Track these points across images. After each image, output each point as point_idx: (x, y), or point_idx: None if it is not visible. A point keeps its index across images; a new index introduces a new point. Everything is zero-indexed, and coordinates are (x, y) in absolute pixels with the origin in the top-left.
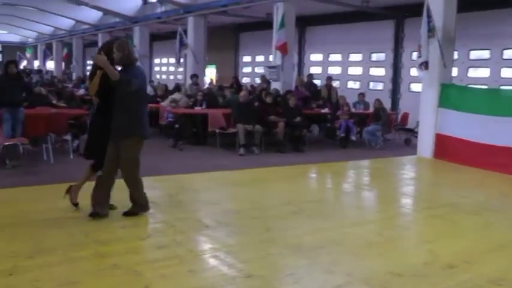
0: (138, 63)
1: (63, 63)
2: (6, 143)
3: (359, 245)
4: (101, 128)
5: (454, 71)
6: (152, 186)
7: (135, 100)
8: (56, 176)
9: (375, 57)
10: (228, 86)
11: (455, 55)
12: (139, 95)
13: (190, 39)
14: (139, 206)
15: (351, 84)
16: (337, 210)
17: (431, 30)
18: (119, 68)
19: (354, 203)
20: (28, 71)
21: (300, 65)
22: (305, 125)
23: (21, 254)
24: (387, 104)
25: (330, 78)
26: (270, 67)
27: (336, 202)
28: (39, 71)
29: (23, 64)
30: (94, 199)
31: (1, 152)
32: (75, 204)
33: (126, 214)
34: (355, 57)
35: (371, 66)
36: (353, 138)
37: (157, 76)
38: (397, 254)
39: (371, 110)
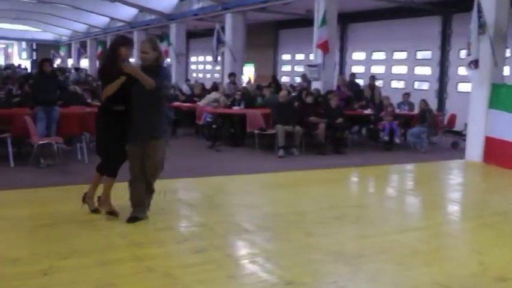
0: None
1: (97, 62)
2: (41, 142)
3: (404, 254)
4: (106, 127)
5: (506, 70)
6: (189, 188)
7: (164, 102)
8: (90, 176)
9: (420, 55)
10: (267, 85)
11: (507, 53)
12: (166, 97)
13: (228, 36)
14: (144, 210)
15: (395, 84)
16: (381, 216)
17: (481, 27)
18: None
19: (398, 209)
20: (63, 69)
21: (342, 63)
22: (347, 127)
23: (57, 255)
24: (433, 105)
25: (373, 78)
26: (310, 66)
27: (379, 207)
28: (77, 69)
29: (57, 62)
30: (132, 201)
31: (35, 151)
32: (94, 211)
33: (132, 220)
34: (400, 55)
35: (416, 65)
36: (397, 140)
37: (194, 74)
38: (444, 264)
39: (416, 111)
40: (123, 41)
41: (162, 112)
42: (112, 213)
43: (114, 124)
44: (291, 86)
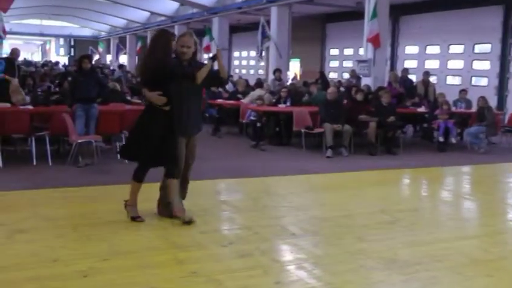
0: None
1: (136, 58)
2: (79, 141)
3: (462, 263)
4: (147, 127)
5: None
6: (233, 189)
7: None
8: (129, 176)
9: (478, 48)
10: (314, 81)
11: None
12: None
13: (273, 30)
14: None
15: (451, 80)
16: (436, 221)
17: None
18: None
19: (455, 214)
20: (102, 66)
21: (393, 58)
22: (399, 126)
23: (96, 256)
24: (492, 103)
25: (427, 73)
26: (360, 61)
27: (433, 212)
28: (121, 66)
29: (95, 58)
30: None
31: (74, 149)
32: (134, 218)
33: (190, 223)
34: (456, 48)
35: (474, 59)
36: (453, 140)
37: (237, 70)
38: (507, 275)
39: (474, 109)
40: (170, 34)
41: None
42: (134, 219)
43: (169, 124)
44: (339, 82)
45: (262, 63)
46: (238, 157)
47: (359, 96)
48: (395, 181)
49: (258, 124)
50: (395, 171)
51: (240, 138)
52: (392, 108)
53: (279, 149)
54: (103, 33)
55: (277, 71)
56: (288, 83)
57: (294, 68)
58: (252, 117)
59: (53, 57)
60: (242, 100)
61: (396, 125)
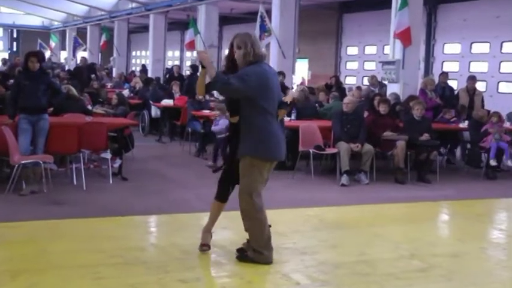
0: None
1: (99, 55)
2: (24, 162)
3: None
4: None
5: None
6: (222, 225)
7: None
8: (88, 207)
9: None
10: (326, 88)
11: None
12: (255, 104)
13: (275, 23)
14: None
15: (504, 88)
16: (483, 270)
17: None
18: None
19: (508, 261)
20: (54, 65)
21: (429, 59)
22: (435, 146)
23: None
24: None
25: (472, 79)
26: (385, 63)
27: (480, 258)
28: (92, 66)
29: (46, 56)
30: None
31: (16, 173)
32: (204, 246)
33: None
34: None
35: None
36: (510, 163)
37: None
38: None
39: None
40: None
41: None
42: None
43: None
44: (358, 88)
45: None
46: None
47: (383, 108)
48: (430, 217)
49: None
50: (430, 204)
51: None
52: (426, 124)
53: (280, 175)
54: (56, 22)
55: (280, 74)
56: (293, 90)
57: (301, 71)
58: None
59: None
60: None
61: (431, 144)
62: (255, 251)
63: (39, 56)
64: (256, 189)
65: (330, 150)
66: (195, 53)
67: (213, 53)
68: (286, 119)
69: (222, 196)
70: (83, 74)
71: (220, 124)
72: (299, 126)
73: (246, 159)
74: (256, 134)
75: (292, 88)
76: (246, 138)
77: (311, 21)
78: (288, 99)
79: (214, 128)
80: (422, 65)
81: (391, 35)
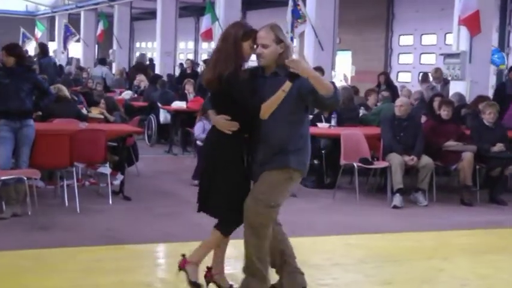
0: None
1: (96, 47)
2: (4, 178)
3: None
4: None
5: None
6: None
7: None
8: (83, 234)
9: None
10: (374, 87)
11: None
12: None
13: (310, 7)
14: None
15: None
16: None
17: None
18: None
19: None
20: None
21: (504, 50)
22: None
23: None
24: None
25: None
26: (447, 55)
27: None
28: (102, 61)
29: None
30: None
31: None
32: (195, 285)
33: None
34: None
35: None
36: None
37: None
38: None
39: None
40: (246, 32)
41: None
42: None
43: (241, 159)
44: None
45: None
46: None
47: (446, 112)
48: (505, 248)
49: None
50: (505, 231)
51: None
52: (500, 131)
53: (318, 194)
54: (43, 7)
55: (316, 70)
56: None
57: (343, 66)
58: None
59: None
60: None
61: (507, 157)
62: (252, 275)
63: (17, 50)
64: (280, 203)
65: (378, 164)
66: (212, 45)
67: None
68: (325, 125)
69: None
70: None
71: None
72: (340, 135)
73: (285, 173)
74: (303, 144)
75: None
76: (289, 149)
77: (355, 5)
78: None
79: (199, 135)
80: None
81: (455, 21)
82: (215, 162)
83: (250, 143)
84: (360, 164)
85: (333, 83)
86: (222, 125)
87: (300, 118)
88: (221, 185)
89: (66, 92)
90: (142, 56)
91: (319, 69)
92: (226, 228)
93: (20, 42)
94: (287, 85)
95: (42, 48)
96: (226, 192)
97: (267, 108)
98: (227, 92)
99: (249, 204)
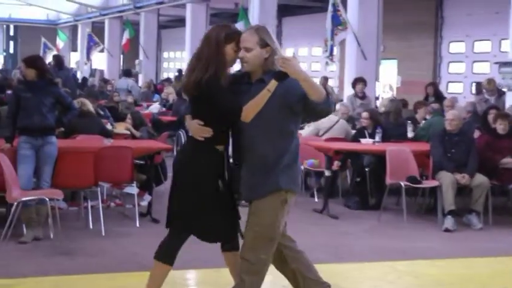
0: None
1: (121, 57)
2: (25, 199)
3: None
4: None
5: None
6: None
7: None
8: (108, 259)
9: None
10: (423, 99)
11: None
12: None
13: (352, 13)
14: None
15: None
16: None
17: None
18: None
19: None
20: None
21: None
22: None
23: None
24: None
25: None
26: (502, 64)
27: None
28: (128, 72)
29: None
30: None
31: (15, 213)
32: None
33: None
34: None
35: None
36: None
37: None
38: None
39: None
40: (228, 34)
41: (288, 149)
42: None
43: (215, 172)
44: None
45: (333, 69)
46: (293, 229)
47: (502, 126)
48: None
49: (327, 173)
50: None
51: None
52: None
53: (362, 216)
54: (65, 16)
55: (359, 81)
56: (378, 102)
57: (388, 76)
58: (314, 162)
59: None
60: (300, 132)
61: None
62: None
63: (40, 62)
64: (280, 232)
65: (428, 183)
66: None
67: None
68: (369, 141)
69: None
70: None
71: None
72: (386, 151)
73: (277, 196)
74: (292, 158)
75: (377, 99)
76: (277, 166)
77: (400, 9)
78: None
79: None
80: None
81: (511, 26)
82: (186, 177)
83: (233, 154)
84: (407, 183)
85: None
86: (194, 130)
87: (287, 129)
88: (182, 193)
89: (90, 106)
90: None
91: (362, 81)
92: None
93: (41, 53)
94: (272, 84)
95: (58, 61)
96: (184, 199)
97: (250, 109)
98: (204, 96)
99: (246, 239)
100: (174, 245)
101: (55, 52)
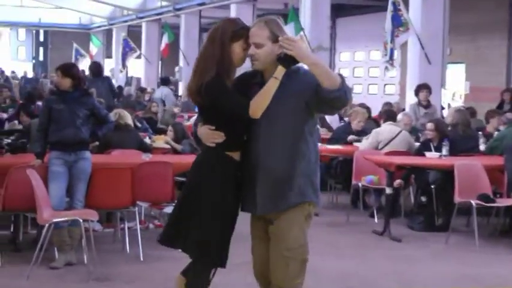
0: None
1: (159, 64)
2: (56, 220)
3: None
4: (223, 189)
5: None
6: None
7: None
8: (146, 285)
9: None
10: (496, 107)
11: None
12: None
13: (415, 13)
14: None
15: None
16: None
17: None
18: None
19: None
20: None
21: None
22: None
23: None
24: None
25: None
26: None
27: None
28: (165, 81)
29: (83, 65)
30: None
31: (46, 236)
32: None
33: None
34: None
35: None
36: None
37: None
38: None
39: None
40: (235, 31)
41: (306, 156)
42: None
43: (232, 184)
44: None
45: (394, 75)
46: (350, 254)
47: None
48: None
49: (388, 190)
50: None
51: (352, 216)
52: None
53: (428, 238)
54: (99, 19)
55: (422, 88)
56: (445, 111)
57: (455, 82)
58: (370, 178)
59: (2, 64)
60: (358, 145)
61: None
62: None
63: (74, 71)
64: (308, 251)
65: (502, 202)
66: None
67: (323, 55)
68: (435, 154)
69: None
70: None
71: None
72: (454, 166)
73: (301, 210)
74: (314, 165)
75: (443, 108)
76: (298, 176)
77: (469, 8)
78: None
79: None
80: None
81: None
82: (199, 187)
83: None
84: (478, 202)
85: (340, 75)
86: (205, 135)
87: (305, 132)
88: (203, 216)
89: (128, 119)
90: None
91: (426, 88)
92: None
93: (73, 60)
94: (279, 71)
95: (96, 68)
96: (208, 225)
97: (258, 103)
98: (208, 102)
99: (278, 268)
100: (203, 283)
101: (88, 59)
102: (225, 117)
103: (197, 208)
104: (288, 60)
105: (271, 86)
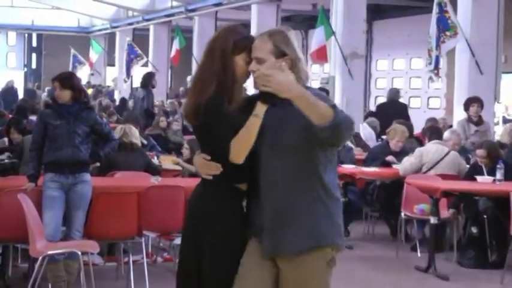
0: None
1: (169, 72)
2: (52, 252)
3: None
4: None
5: None
6: None
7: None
8: None
9: None
10: None
11: None
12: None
13: (464, 15)
14: None
15: None
16: None
17: None
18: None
19: None
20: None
21: None
22: None
23: None
24: None
25: None
26: None
27: None
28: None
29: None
30: None
31: (39, 270)
32: None
33: None
34: None
35: None
36: None
37: (381, 99)
38: None
39: None
40: (237, 41)
41: (325, 188)
42: None
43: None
44: None
45: (439, 86)
46: None
47: None
48: None
49: (433, 220)
50: None
51: (391, 250)
52: None
53: (480, 276)
54: (101, 22)
55: (473, 102)
56: (498, 128)
57: (510, 95)
58: (421, 207)
59: None
60: (397, 167)
61: None
62: None
63: (74, 80)
64: None
65: None
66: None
67: (358, 64)
68: (487, 179)
69: None
70: None
71: None
72: (510, 193)
73: (322, 255)
74: (333, 205)
75: (496, 124)
76: (317, 216)
77: None
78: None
79: None
80: None
81: None
82: (199, 227)
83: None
84: None
85: (333, 105)
86: (199, 166)
87: (321, 160)
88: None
89: (135, 135)
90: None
91: (477, 101)
92: None
93: (70, 68)
94: (260, 108)
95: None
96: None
97: (237, 148)
98: (206, 126)
99: None
100: None
101: (87, 67)
102: (220, 144)
103: (211, 264)
104: (267, 97)
105: (250, 126)
